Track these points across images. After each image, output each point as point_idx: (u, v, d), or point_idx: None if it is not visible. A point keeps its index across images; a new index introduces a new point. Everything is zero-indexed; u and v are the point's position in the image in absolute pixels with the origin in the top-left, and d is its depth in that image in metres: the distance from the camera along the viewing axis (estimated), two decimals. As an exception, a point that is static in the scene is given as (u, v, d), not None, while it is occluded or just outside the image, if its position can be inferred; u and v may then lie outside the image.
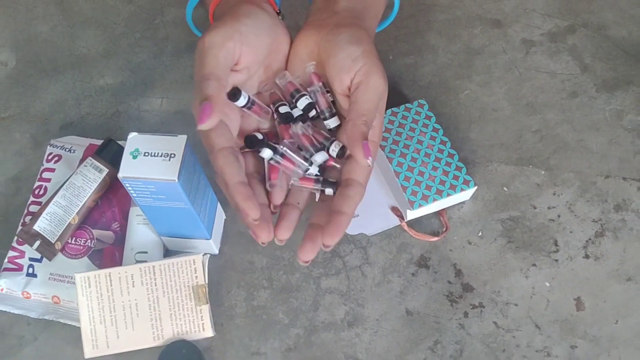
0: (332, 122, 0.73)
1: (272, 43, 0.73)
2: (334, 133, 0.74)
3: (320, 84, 0.73)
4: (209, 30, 0.68)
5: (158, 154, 0.73)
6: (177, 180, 0.72)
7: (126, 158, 0.73)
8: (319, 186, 0.70)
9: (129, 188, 0.75)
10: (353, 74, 0.69)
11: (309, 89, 0.74)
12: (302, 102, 0.73)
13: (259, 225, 0.65)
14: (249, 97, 0.71)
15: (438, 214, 0.91)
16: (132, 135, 0.75)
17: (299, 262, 0.67)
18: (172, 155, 0.73)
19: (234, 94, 0.70)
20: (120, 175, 0.73)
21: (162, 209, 0.78)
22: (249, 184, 0.65)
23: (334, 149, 0.71)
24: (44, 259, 0.87)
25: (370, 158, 0.65)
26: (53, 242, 0.86)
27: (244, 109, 0.71)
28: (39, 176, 0.92)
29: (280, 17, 0.78)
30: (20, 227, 0.89)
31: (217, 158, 0.65)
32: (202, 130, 0.64)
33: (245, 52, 0.69)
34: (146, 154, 0.73)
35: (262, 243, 0.66)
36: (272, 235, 0.67)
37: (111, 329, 0.82)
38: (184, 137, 0.74)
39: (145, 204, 0.78)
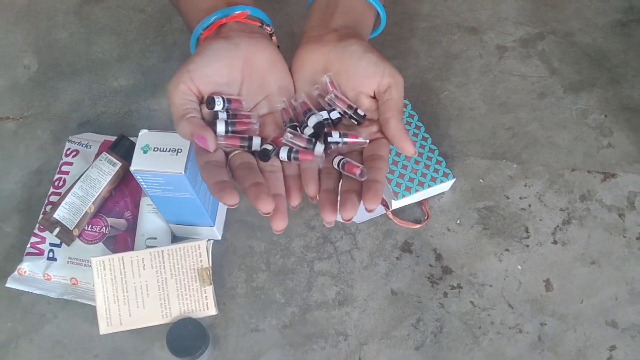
0: (360, 113, 0.70)
1: (231, 59, 0.69)
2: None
3: (335, 90, 0.71)
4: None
5: (166, 149, 0.73)
6: (183, 173, 0.71)
7: (137, 153, 0.73)
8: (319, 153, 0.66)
9: (140, 180, 0.75)
10: (380, 77, 0.69)
11: (326, 98, 0.70)
12: (312, 120, 0.69)
13: (272, 216, 0.62)
14: (223, 100, 0.67)
15: (420, 203, 0.91)
16: (143, 132, 0.74)
17: (328, 223, 0.63)
18: (179, 151, 0.72)
19: (209, 102, 0.66)
20: (132, 168, 0.73)
21: (170, 199, 0.78)
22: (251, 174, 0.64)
23: (360, 113, 0.69)
24: (63, 244, 0.86)
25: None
26: (71, 229, 0.85)
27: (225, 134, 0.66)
28: (58, 169, 0.92)
29: (266, 28, 0.76)
30: (41, 216, 0.88)
31: (201, 171, 0.64)
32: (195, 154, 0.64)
33: (201, 85, 0.67)
34: (156, 149, 0.73)
35: (277, 231, 0.63)
36: (285, 223, 0.63)
37: (124, 308, 0.81)
38: (190, 133, 0.73)
39: (154, 195, 0.78)
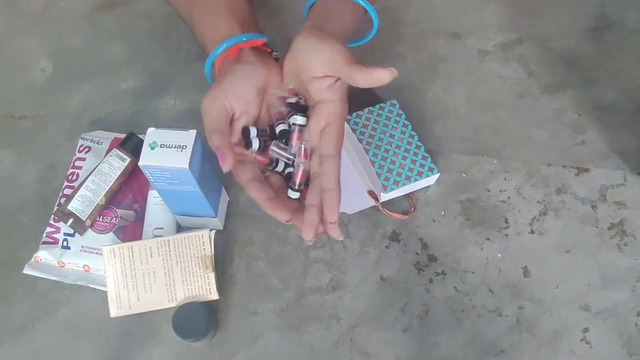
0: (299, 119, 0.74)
1: (257, 82, 0.74)
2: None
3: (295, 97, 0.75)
4: (204, 96, 0.72)
5: (172, 145, 0.73)
6: (188, 168, 0.71)
7: (145, 149, 0.73)
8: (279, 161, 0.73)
9: (148, 174, 0.75)
10: (320, 57, 0.70)
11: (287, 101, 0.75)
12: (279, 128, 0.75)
13: (298, 225, 0.68)
14: (257, 130, 0.74)
15: (407, 196, 0.91)
16: (150, 130, 0.74)
17: (307, 241, 0.68)
18: (184, 147, 0.72)
19: (244, 131, 0.73)
20: (140, 163, 0.73)
21: (175, 192, 0.78)
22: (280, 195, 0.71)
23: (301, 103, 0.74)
24: (76, 234, 0.86)
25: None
26: (84, 219, 0.85)
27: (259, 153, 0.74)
28: (72, 164, 0.92)
29: (274, 54, 0.80)
30: (56, 207, 0.88)
31: (247, 189, 0.70)
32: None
33: (234, 102, 0.72)
34: (162, 146, 0.73)
35: (309, 241, 0.68)
36: (314, 229, 0.67)
37: (133, 293, 0.82)
38: (194, 131, 0.73)
39: (161, 188, 0.78)
